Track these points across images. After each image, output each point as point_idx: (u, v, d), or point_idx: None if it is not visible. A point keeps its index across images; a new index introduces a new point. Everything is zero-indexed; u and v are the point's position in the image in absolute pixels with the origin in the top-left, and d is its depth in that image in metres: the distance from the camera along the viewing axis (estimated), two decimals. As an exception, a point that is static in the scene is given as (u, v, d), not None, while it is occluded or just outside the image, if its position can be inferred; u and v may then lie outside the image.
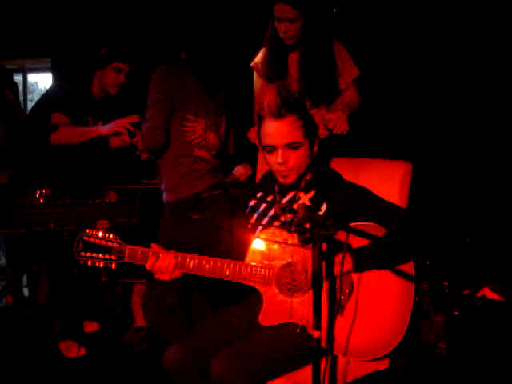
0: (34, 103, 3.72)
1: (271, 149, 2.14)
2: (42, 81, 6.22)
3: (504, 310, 3.01)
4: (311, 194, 2.20)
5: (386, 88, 3.91)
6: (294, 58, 2.93)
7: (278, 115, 2.11)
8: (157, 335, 2.96)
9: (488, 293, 3.09)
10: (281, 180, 2.18)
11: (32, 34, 5.07)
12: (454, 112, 3.87)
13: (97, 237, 2.09)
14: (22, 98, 5.78)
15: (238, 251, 2.17)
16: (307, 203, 2.17)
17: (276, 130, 2.13)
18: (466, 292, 3.14)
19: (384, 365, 2.14)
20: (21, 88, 5.58)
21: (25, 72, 5.87)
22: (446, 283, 3.06)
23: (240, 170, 2.16)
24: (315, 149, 2.21)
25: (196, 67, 3.01)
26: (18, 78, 6.09)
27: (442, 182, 3.79)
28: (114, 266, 2.10)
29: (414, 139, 3.83)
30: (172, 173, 2.98)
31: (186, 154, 2.96)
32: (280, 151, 2.12)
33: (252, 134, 2.93)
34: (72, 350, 3.40)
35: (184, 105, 2.93)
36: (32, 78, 6.18)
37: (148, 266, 2.07)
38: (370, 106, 3.00)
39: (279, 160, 2.12)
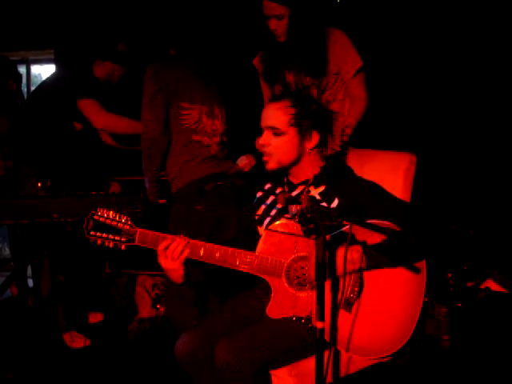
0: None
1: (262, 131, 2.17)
2: (45, 72, 6.21)
3: (508, 302, 3.01)
4: (321, 188, 2.17)
5: (391, 79, 3.89)
6: None
7: (273, 98, 2.16)
8: (176, 327, 2.99)
9: (491, 285, 3.08)
10: (265, 166, 2.17)
11: (35, 26, 5.06)
12: (459, 104, 3.85)
13: (108, 217, 2.06)
14: (25, 89, 5.78)
15: (245, 243, 2.17)
16: (317, 197, 2.15)
17: (265, 112, 2.16)
18: (469, 284, 3.13)
19: (387, 357, 2.14)
20: (24, 80, 5.58)
21: (28, 63, 5.87)
22: (450, 275, 3.05)
23: (244, 161, 2.15)
24: (309, 145, 2.16)
25: (186, 59, 3.06)
26: (21, 69, 6.07)
27: (446, 174, 3.77)
28: (123, 247, 2.05)
29: (418, 131, 3.82)
30: (174, 163, 3.02)
31: (185, 142, 2.99)
32: (264, 133, 2.14)
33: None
34: (76, 341, 3.42)
35: (178, 94, 2.96)
36: (35, 69, 6.17)
37: (161, 247, 2.01)
38: (375, 98, 2.98)
39: (260, 141, 2.14)
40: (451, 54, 3.87)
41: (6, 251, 5.72)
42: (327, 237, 1.73)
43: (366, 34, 3.73)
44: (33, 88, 5.95)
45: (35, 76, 6.25)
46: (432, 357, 2.89)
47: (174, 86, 2.95)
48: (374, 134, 3.33)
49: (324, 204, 2.10)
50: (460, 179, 3.78)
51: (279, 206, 2.21)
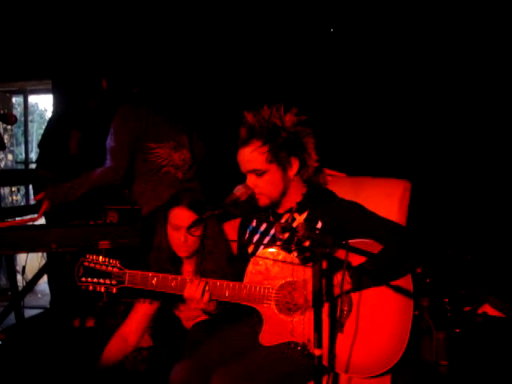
0: (34, 124, 3.85)
1: (245, 174, 2.20)
2: (42, 102, 6.27)
3: (505, 327, 3.01)
4: (305, 214, 2.21)
5: (385, 107, 3.93)
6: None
7: (242, 143, 2.17)
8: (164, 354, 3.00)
9: (489, 309, 3.08)
10: (257, 202, 2.21)
11: (33, 57, 5.12)
12: (453, 130, 3.89)
13: (97, 262, 2.14)
14: (22, 118, 5.83)
15: (238, 272, 2.20)
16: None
17: (240, 158, 2.19)
18: (466, 309, 3.13)
19: (386, 383, 2.14)
20: (22, 109, 5.63)
21: (26, 93, 5.93)
22: (447, 300, 3.06)
23: (240, 190, 2.17)
24: (292, 172, 2.20)
25: (150, 99, 3.22)
26: (18, 99, 6.15)
27: (442, 200, 3.80)
28: (114, 290, 2.15)
29: (412, 157, 3.85)
30: (139, 192, 3.21)
31: (151, 176, 3.15)
32: (248, 177, 2.18)
33: None
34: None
35: (145, 136, 3.10)
36: (32, 99, 6.24)
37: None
38: (369, 125, 3.02)
39: (247, 185, 2.18)
40: (443, 82, 3.92)
41: (3, 280, 5.70)
42: (324, 264, 1.75)
43: (359, 61, 3.79)
44: (30, 117, 6.01)
45: (32, 106, 6.31)
46: (430, 382, 2.88)
47: (141, 129, 3.08)
48: (368, 161, 3.36)
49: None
50: (456, 204, 3.80)
51: (272, 232, 2.26)
